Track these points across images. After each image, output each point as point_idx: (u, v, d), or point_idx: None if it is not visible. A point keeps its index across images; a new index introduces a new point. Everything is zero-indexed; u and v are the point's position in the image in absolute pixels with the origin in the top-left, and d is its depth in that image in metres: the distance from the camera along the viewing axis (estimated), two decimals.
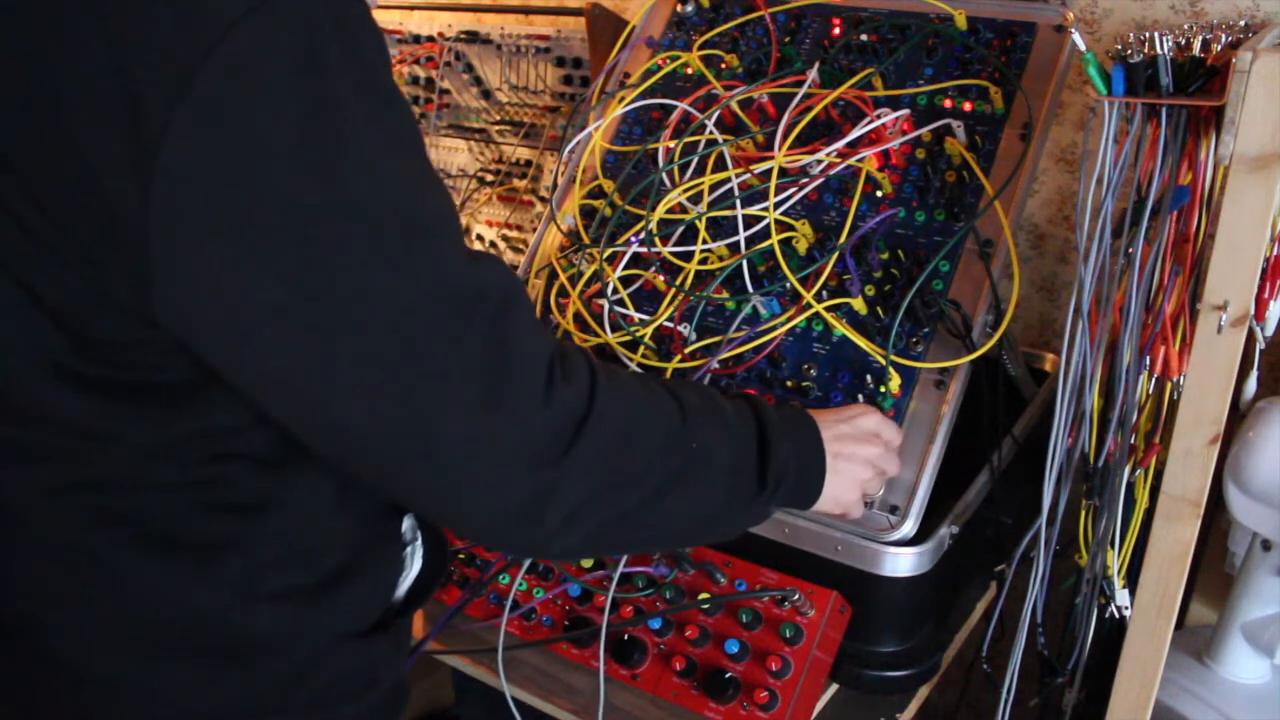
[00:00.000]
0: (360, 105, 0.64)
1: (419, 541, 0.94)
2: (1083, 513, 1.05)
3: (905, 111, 1.18)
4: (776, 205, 1.18)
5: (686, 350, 1.16)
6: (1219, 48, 0.89)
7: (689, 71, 1.34)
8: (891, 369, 1.07)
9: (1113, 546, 1.04)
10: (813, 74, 1.23)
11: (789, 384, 1.13)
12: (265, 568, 0.79)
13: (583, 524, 0.78)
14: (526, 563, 1.18)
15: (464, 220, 1.79)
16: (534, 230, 1.70)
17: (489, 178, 1.76)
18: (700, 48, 1.34)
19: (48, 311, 0.67)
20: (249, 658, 0.80)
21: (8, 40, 0.62)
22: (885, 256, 1.14)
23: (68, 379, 0.69)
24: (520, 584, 1.17)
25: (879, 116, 1.17)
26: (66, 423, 0.71)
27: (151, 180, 0.60)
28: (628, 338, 1.19)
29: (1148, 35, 0.89)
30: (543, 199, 1.69)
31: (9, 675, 0.81)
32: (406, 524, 0.92)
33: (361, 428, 0.70)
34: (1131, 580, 1.03)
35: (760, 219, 1.18)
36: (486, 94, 1.72)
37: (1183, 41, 0.90)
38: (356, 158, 0.64)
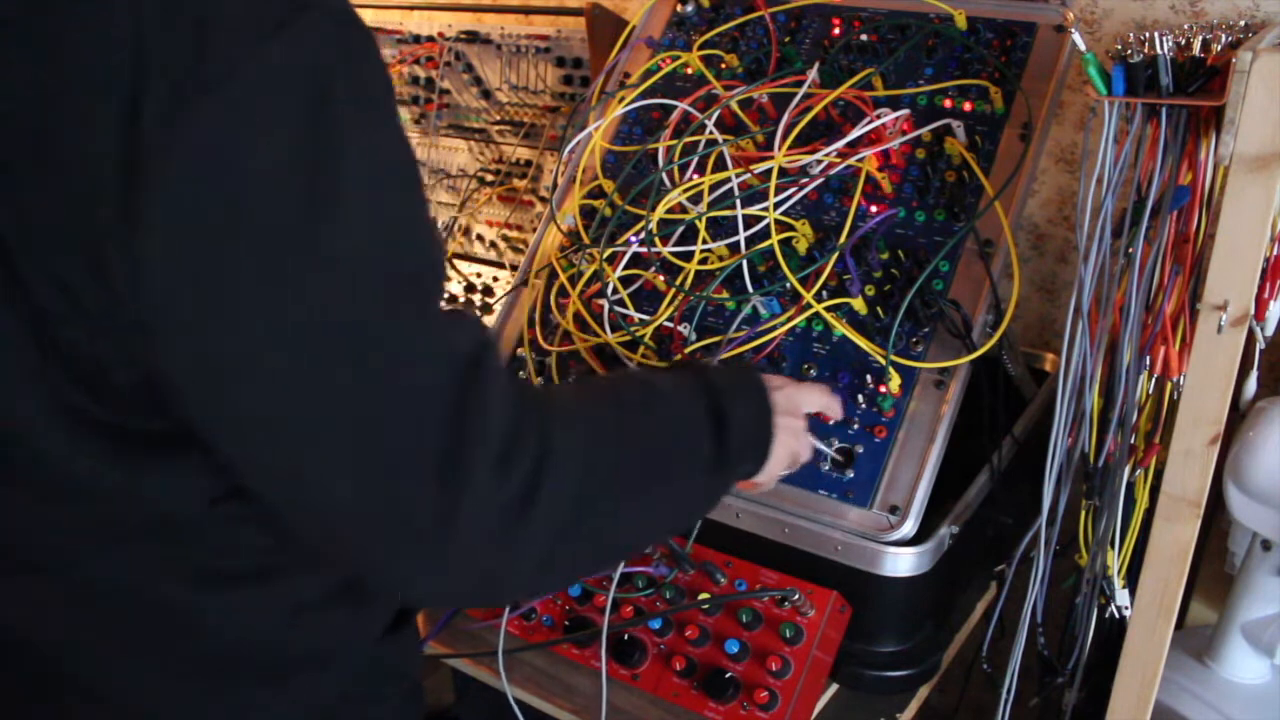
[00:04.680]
0: (362, 148, 0.63)
1: None
2: (1083, 513, 1.05)
3: (905, 111, 1.18)
4: (776, 205, 1.18)
5: (686, 350, 1.16)
6: (1219, 48, 0.89)
7: (689, 71, 1.34)
8: (891, 369, 1.07)
9: (1113, 546, 1.04)
10: (813, 74, 1.23)
11: None
12: (307, 583, 0.80)
13: (554, 569, 0.76)
14: None
15: (464, 220, 1.79)
16: (534, 230, 1.70)
17: (489, 178, 1.76)
18: (700, 48, 1.34)
19: (58, 358, 0.65)
20: (302, 670, 0.82)
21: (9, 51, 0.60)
22: (885, 256, 1.14)
23: (88, 428, 0.68)
24: None
25: (879, 116, 1.17)
26: (87, 471, 0.70)
27: (140, 209, 0.58)
28: (628, 338, 1.19)
29: (1148, 35, 0.89)
30: (543, 199, 1.69)
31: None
32: None
33: (318, 481, 0.67)
34: (1131, 580, 1.03)
35: (760, 219, 1.18)
36: (486, 94, 1.72)
37: (1183, 41, 0.90)
38: (353, 206, 0.62)
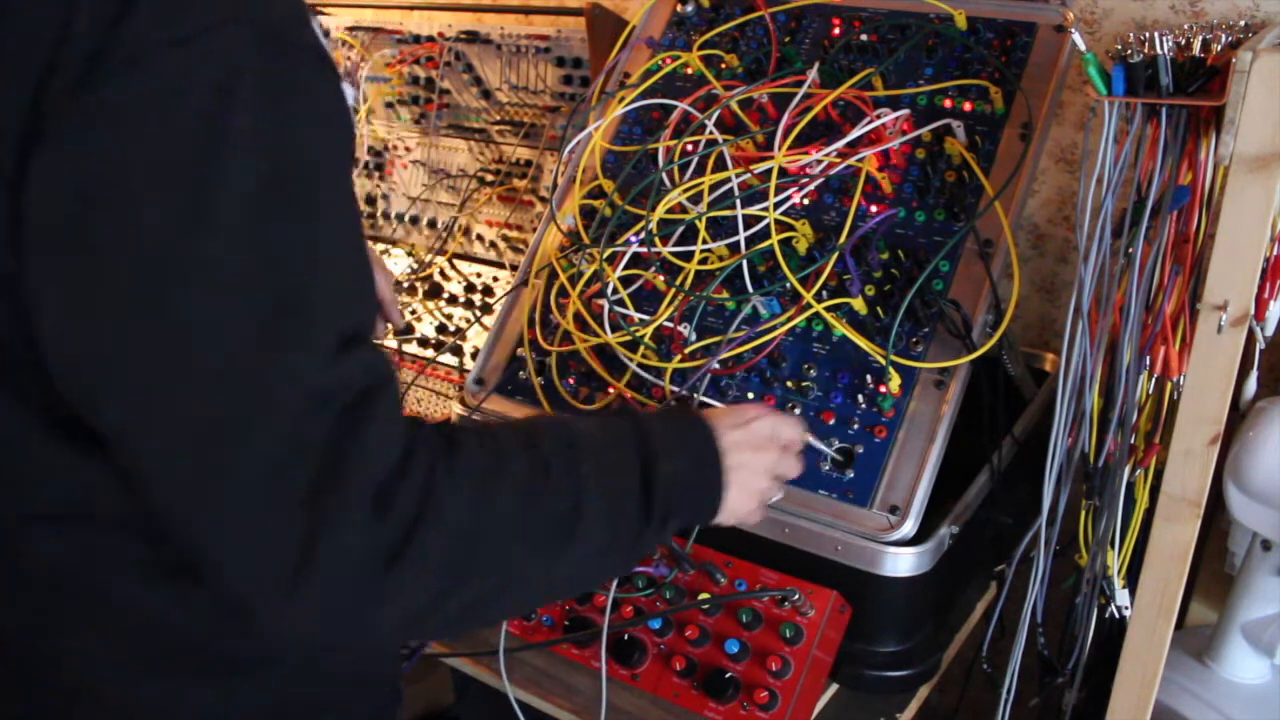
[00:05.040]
0: (252, 165, 0.61)
1: None
2: (1083, 513, 1.05)
3: (905, 111, 1.18)
4: (776, 205, 1.18)
5: (686, 350, 1.16)
6: (1219, 48, 0.89)
7: (689, 71, 1.34)
8: (891, 369, 1.07)
9: (1113, 546, 1.04)
10: (813, 74, 1.23)
11: (789, 384, 1.13)
12: None
13: (420, 623, 0.74)
14: None
15: (464, 220, 1.79)
16: (534, 230, 1.70)
17: (489, 178, 1.76)
18: (700, 48, 1.34)
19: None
20: (264, 669, 0.81)
21: None
22: (885, 256, 1.14)
23: (41, 416, 0.68)
24: None
25: (879, 116, 1.17)
26: (36, 457, 0.70)
27: (28, 167, 0.59)
28: (628, 338, 1.19)
29: (1148, 35, 0.89)
30: (543, 199, 1.69)
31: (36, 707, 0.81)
32: None
33: (170, 495, 0.65)
34: (1131, 580, 1.03)
35: (760, 219, 1.18)
36: (486, 94, 1.72)
37: (1183, 41, 0.90)
38: (230, 218, 0.61)
